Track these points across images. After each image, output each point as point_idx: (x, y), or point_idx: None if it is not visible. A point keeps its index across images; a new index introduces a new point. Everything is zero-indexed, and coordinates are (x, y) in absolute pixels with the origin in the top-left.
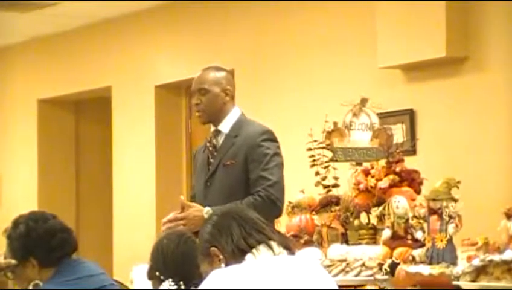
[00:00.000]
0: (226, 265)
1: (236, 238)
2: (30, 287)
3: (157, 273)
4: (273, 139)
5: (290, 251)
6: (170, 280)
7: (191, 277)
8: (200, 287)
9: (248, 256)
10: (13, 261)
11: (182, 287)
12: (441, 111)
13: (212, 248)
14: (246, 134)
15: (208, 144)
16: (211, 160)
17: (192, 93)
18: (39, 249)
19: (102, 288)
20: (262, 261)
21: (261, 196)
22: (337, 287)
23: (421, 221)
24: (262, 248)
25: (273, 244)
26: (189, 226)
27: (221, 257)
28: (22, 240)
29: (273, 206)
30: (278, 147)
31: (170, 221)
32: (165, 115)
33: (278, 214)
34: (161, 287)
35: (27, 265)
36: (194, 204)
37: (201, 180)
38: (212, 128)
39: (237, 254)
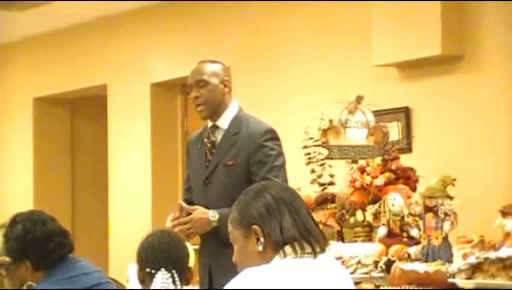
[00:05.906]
0: (263, 249)
1: (285, 230)
2: (24, 288)
3: (147, 270)
4: (276, 138)
5: (323, 252)
6: (163, 269)
7: (182, 265)
8: (234, 282)
9: (288, 249)
10: (7, 259)
11: (175, 275)
12: (436, 109)
13: (255, 227)
14: (248, 133)
15: (205, 140)
16: (209, 157)
17: (190, 87)
18: (34, 252)
19: (98, 286)
20: (305, 266)
21: None
22: None
23: (417, 219)
24: (306, 247)
25: (317, 247)
26: (194, 229)
27: (262, 239)
28: (18, 241)
29: None
30: (280, 146)
31: (175, 226)
32: (160, 113)
33: None
34: (155, 279)
35: (21, 266)
36: (197, 207)
37: (199, 177)
38: (210, 124)
39: (280, 245)
